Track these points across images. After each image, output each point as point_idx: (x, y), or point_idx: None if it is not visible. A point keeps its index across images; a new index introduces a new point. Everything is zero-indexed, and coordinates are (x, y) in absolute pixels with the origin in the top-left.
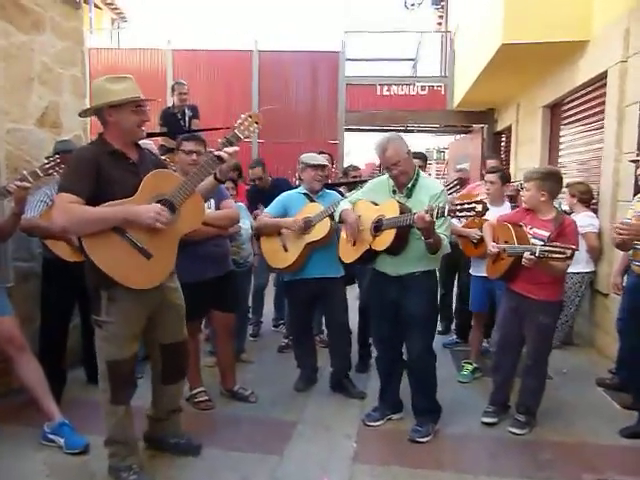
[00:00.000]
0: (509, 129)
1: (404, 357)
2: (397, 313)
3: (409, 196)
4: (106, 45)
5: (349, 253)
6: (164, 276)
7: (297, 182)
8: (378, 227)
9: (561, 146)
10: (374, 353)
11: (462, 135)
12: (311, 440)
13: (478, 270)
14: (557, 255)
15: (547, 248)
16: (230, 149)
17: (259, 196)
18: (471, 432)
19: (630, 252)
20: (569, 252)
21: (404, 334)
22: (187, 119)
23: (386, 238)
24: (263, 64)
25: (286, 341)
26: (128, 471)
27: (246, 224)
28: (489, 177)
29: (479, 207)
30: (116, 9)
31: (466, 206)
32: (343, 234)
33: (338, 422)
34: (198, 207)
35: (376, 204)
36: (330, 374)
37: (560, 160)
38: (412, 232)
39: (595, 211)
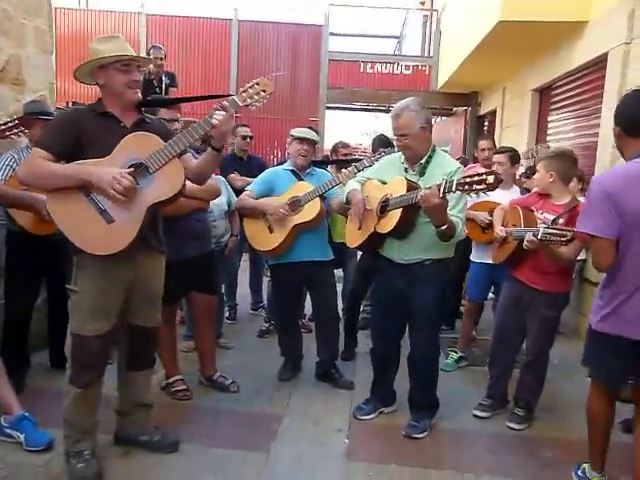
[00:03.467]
0: (493, 113)
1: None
2: (402, 304)
3: (422, 174)
4: (73, 6)
5: (355, 237)
6: (123, 245)
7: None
8: (384, 207)
9: (549, 131)
10: (369, 344)
11: (444, 117)
12: (299, 435)
13: (481, 256)
14: (557, 238)
15: (549, 231)
16: (220, 114)
17: (235, 165)
18: (466, 427)
19: None
20: (569, 235)
21: (409, 327)
22: (164, 87)
23: (391, 220)
24: (243, 34)
25: (267, 325)
26: (78, 457)
27: (221, 200)
28: (497, 157)
29: (490, 179)
30: None
31: (476, 178)
32: (350, 217)
33: (327, 415)
34: (176, 175)
35: (385, 183)
36: (316, 363)
37: (548, 145)
38: (420, 213)
39: None
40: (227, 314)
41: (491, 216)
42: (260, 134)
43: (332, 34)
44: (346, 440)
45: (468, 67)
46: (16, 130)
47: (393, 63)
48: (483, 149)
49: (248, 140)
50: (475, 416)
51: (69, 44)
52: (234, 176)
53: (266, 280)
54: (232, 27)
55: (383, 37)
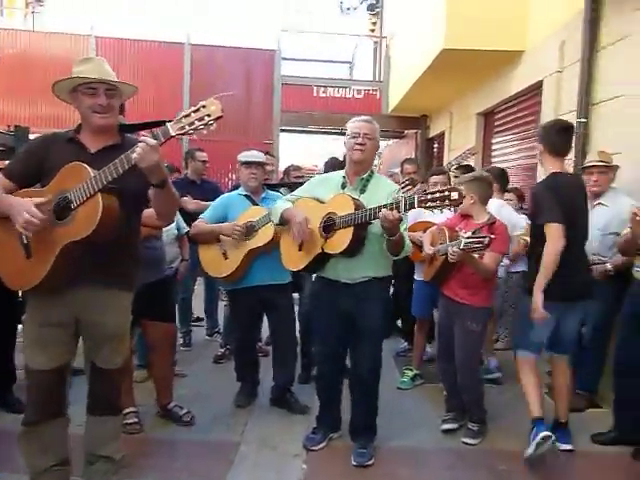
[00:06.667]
0: (442, 135)
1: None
2: (346, 324)
3: (363, 191)
4: (19, 27)
5: (296, 259)
6: (31, 283)
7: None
8: (329, 227)
9: (494, 152)
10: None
11: (396, 140)
12: (257, 463)
13: (421, 274)
14: (477, 246)
15: (469, 240)
16: (141, 148)
17: (188, 188)
18: (423, 444)
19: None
20: (486, 240)
21: (352, 346)
22: None
23: (342, 238)
24: (195, 58)
25: (222, 350)
26: None
27: (170, 225)
28: (435, 179)
29: (454, 194)
30: None
31: (438, 195)
32: (284, 239)
33: (284, 441)
34: (93, 213)
35: (321, 202)
36: (272, 388)
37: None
38: (369, 231)
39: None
40: (181, 340)
41: None
42: (214, 157)
43: (285, 59)
44: (304, 466)
45: (416, 92)
46: None
47: (346, 87)
48: (409, 172)
49: (207, 165)
50: (443, 430)
51: (14, 66)
52: (186, 199)
53: (222, 304)
54: (184, 51)
55: (335, 62)
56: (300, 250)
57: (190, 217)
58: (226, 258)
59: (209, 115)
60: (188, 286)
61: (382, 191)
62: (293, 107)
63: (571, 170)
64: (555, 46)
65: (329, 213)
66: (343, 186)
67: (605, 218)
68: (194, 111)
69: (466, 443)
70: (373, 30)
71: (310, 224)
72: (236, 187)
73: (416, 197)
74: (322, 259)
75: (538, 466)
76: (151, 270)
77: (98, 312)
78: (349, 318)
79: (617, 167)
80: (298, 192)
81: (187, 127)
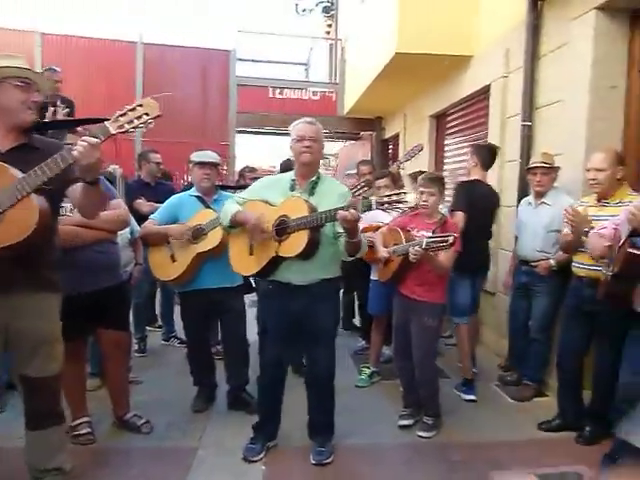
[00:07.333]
0: (396, 137)
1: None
2: (297, 326)
3: (312, 193)
4: None
5: (248, 264)
6: None
7: (186, 183)
8: (282, 230)
9: (446, 154)
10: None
11: (352, 142)
12: (215, 467)
13: (376, 274)
14: (441, 245)
15: (432, 240)
16: (82, 146)
17: (142, 190)
18: (381, 440)
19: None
20: (450, 239)
21: (307, 347)
22: (60, 113)
23: (297, 241)
24: (149, 58)
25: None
26: None
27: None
28: (380, 182)
29: (410, 197)
30: None
31: (395, 197)
32: (234, 243)
33: (242, 444)
34: (28, 216)
35: (271, 204)
36: (227, 392)
37: (445, 167)
38: (322, 233)
39: None
40: (136, 347)
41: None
42: (169, 158)
43: (241, 60)
44: (263, 467)
45: (371, 94)
46: None
47: (302, 89)
48: (364, 173)
49: (161, 167)
50: (400, 426)
51: None
52: (140, 202)
53: (178, 308)
54: (137, 50)
55: (292, 64)
56: (251, 254)
57: (144, 220)
58: (174, 261)
59: (147, 114)
60: (142, 291)
61: (331, 193)
62: (249, 108)
63: (517, 170)
64: (501, 52)
65: (281, 216)
66: (292, 188)
67: (548, 216)
68: (130, 110)
69: (421, 437)
70: (329, 32)
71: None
72: (187, 187)
73: (373, 199)
74: (275, 263)
75: (489, 454)
76: (102, 275)
77: (31, 317)
78: (299, 321)
79: (559, 168)
80: (245, 194)
81: (126, 125)
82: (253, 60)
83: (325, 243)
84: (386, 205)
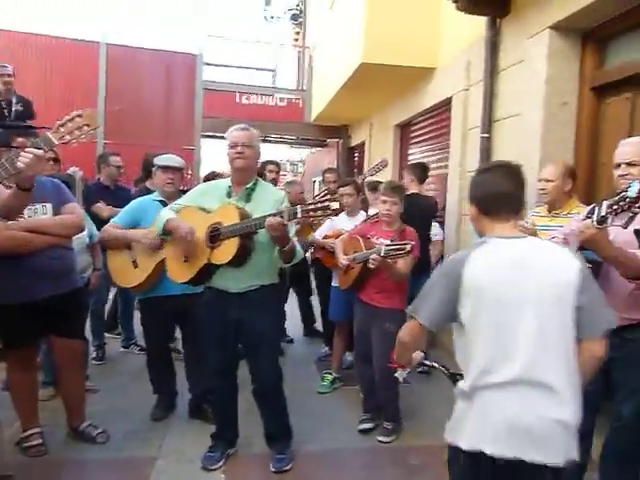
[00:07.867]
0: (362, 145)
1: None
2: (236, 334)
3: (248, 200)
4: None
5: (182, 271)
6: None
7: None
8: (215, 237)
9: (410, 162)
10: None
11: (318, 149)
12: (174, 476)
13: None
14: (399, 252)
15: (390, 247)
16: (27, 157)
17: (102, 194)
18: (342, 445)
19: None
20: (408, 247)
21: (248, 356)
22: (14, 112)
23: (228, 249)
24: (112, 59)
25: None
26: None
27: (82, 232)
28: (344, 190)
29: (334, 205)
30: None
31: (319, 205)
32: (169, 250)
33: (203, 452)
34: None
35: (207, 211)
36: (189, 400)
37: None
38: (254, 240)
39: (442, 223)
40: (94, 354)
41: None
42: (132, 162)
43: (208, 64)
44: (222, 475)
45: (338, 102)
46: None
47: (269, 95)
48: (329, 181)
49: (122, 170)
50: (360, 431)
51: None
52: (100, 205)
53: (137, 314)
54: (100, 50)
55: (259, 69)
56: (186, 261)
57: (103, 224)
58: (136, 267)
59: (88, 125)
60: (101, 296)
61: (268, 200)
62: (216, 113)
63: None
64: (462, 66)
65: (215, 223)
66: (229, 195)
67: None
68: (69, 120)
69: (381, 441)
70: (297, 40)
71: (196, 234)
72: (143, 191)
73: (299, 207)
74: (208, 270)
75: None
76: (54, 282)
77: None
78: (240, 328)
79: None
80: (182, 201)
81: (67, 137)
82: (220, 65)
83: (259, 250)
84: (311, 213)
